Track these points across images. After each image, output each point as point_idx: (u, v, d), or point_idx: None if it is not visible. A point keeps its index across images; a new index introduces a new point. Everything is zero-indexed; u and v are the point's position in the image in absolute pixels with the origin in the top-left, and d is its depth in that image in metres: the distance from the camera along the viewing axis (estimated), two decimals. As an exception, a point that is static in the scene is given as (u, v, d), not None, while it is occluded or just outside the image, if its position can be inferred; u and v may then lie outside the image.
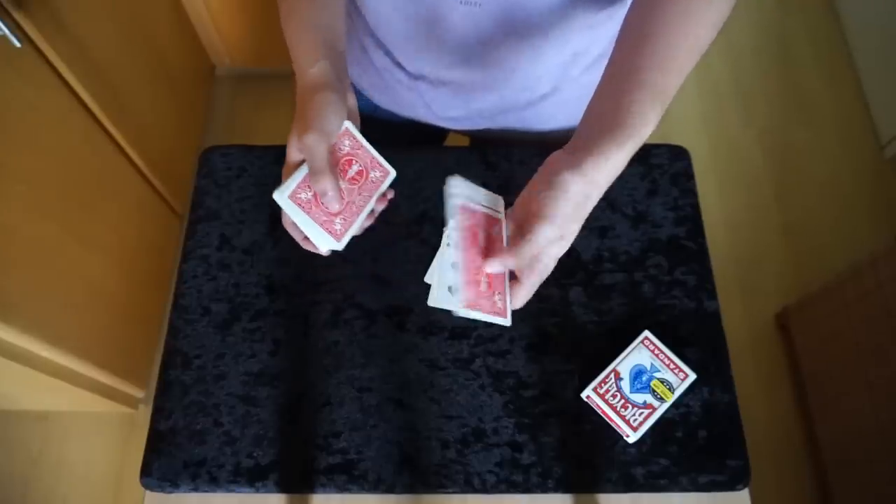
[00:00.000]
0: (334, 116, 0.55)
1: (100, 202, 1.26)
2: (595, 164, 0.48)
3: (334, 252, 0.59)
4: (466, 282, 0.52)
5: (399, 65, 0.76)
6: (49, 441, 1.51)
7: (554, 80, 0.75)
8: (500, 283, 0.55)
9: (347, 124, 0.58)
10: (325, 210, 0.56)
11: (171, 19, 1.56)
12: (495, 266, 0.53)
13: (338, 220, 0.56)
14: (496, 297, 0.54)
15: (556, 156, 0.52)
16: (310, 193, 0.55)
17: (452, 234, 0.53)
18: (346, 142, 0.58)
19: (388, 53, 0.75)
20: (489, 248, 0.55)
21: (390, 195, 0.63)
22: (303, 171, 0.55)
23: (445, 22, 0.65)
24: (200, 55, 1.78)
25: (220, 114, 1.88)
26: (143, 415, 1.52)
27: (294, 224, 0.58)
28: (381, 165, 0.61)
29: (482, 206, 0.57)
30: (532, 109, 0.80)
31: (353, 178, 0.58)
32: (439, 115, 0.82)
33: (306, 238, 0.59)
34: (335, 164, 0.56)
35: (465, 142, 0.95)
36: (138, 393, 1.48)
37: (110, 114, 1.25)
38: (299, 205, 0.55)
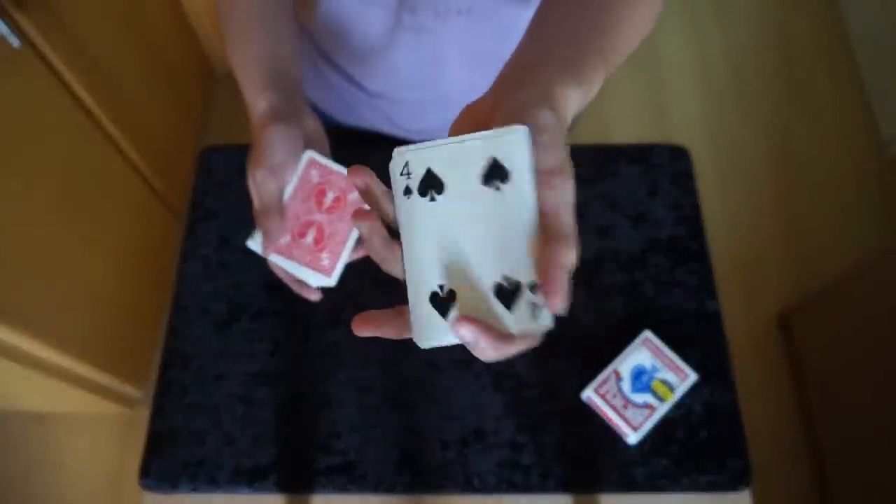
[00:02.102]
0: (284, 148, 0.52)
1: (99, 202, 1.26)
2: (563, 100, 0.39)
3: (326, 289, 0.56)
4: (283, 229, 0.51)
5: (357, 84, 0.75)
6: (48, 441, 1.51)
7: None
8: (336, 244, 0.53)
9: (310, 153, 0.54)
10: (308, 248, 0.53)
11: (170, 19, 1.56)
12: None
13: (324, 255, 0.53)
14: (323, 255, 0.52)
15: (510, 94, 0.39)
16: (287, 236, 0.53)
17: (291, 184, 0.52)
18: (314, 171, 0.54)
19: (343, 74, 0.74)
20: (335, 213, 0.53)
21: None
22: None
23: (398, 48, 0.64)
24: (200, 55, 1.78)
25: (220, 114, 1.87)
26: (142, 415, 1.52)
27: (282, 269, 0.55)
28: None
29: (338, 167, 0.55)
30: None
31: (330, 208, 0.54)
32: (406, 129, 0.81)
33: (298, 281, 0.56)
34: (309, 197, 0.53)
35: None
36: (137, 393, 1.48)
37: (109, 114, 1.24)
38: (278, 251, 0.53)
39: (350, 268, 0.78)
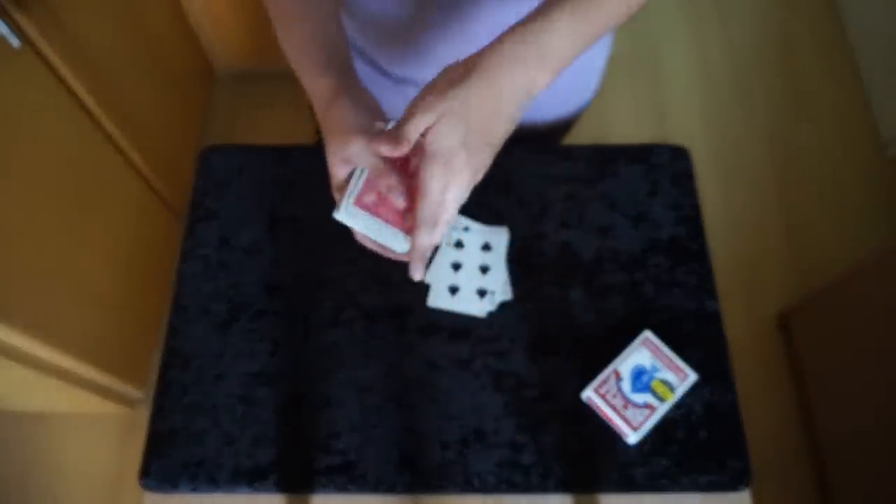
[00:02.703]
0: (362, 115, 0.52)
1: (99, 202, 1.26)
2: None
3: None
4: (367, 185, 0.51)
5: (383, 70, 0.75)
6: (48, 441, 1.51)
7: None
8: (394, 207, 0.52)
9: (383, 126, 0.52)
10: (392, 209, 0.52)
11: (171, 19, 1.56)
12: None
13: (408, 216, 0.51)
14: (409, 216, 0.51)
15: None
16: (373, 196, 0.52)
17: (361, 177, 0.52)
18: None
19: (371, 62, 0.75)
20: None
21: None
22: (359, 180, 0.52)
23: (427, 28, 0.64)
24: (200, 55, 1.78)
25: (220, 114, 1.87)
26: (142, 415, 1.52)
27: (367, 236, 0.54)
28: None
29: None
30: None
31: (413, 174, 0.52)
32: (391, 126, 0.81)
33: (383, 246, 0.54)
34: (390, 166, 0.51)
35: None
36: (137, 393, 1.48)
37: (110, 114, 1.24)
38: (366, 209, 0.51)
39: (350, 268, 0.78)
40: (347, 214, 0.51)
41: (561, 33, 0.45)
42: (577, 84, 0.83)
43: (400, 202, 0.50)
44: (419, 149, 0.48)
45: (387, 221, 0.52)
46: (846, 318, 1.35)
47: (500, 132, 0.46)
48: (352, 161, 0.51)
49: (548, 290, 0.76)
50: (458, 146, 0.44)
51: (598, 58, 0.81)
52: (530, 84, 0.45)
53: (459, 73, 0.44)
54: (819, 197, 1.80)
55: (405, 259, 0.53)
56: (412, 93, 0.76)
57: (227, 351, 0.73)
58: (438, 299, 0.57)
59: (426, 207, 0.46)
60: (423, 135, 0.46)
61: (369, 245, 0.56)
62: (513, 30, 0.45)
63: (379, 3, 0.66)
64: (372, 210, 0.51)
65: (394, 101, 0.80)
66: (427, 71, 0.72)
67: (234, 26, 1.68)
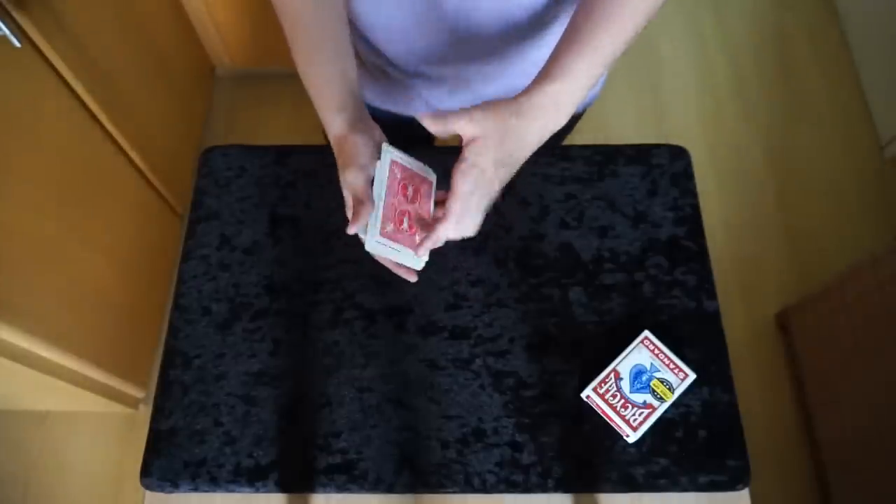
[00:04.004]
0: (366, 152, 0.61)
1: (100, 202, 1.26)
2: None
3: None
4: (385, 217, 0.60)
5: (395, 64, 0.76)
6: (49, 441, 1.51)
7: None
8: (424, 225, 0.63)
9: (391, 155, 0.62)
10: (405, 233, 0.62)
11: (171, 19, 1.56)
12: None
13: (417, 236, 0.62)
14: (416, 237, 0.62)
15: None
16: (390, 226, 0.61)
17: (380, 183, 0.61)
18: (396, 169, 0.63)
19: (382, 55, 0.75)
20: (417, 202, 0.63)
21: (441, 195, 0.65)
22: (377, 215, 0.60)
23: (440, 16, 0.65)
24: (200, 55, 1.78)
25: (220, 114, 1.88)
26: (144, 415, 1.52)
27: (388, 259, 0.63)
28: (423, 177, 0.65)
29: (413, 167, 0.65)
30: None
31: (412, 199, 0.64)
32: (438, 109, 0.82)
33: (399, 265, 0.64)
34: (397, 192, 0.62)
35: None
36: (138, 393, 1.48)
37: (110, 114, 1.25)
38: (388, 237, 0.60)
39: (350, 268, 0.78)
40: (375, 245, 0.60)
41: (576, 82, 0.55)
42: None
43: (404, 227, 0.62)
44: (411, 178, 0.63)
45: (404, 245, 0.61)
46: (845, 318, 1.35)
47: (523, 158, 0.57)
48: (346, 186, 0.61)
49: (548, 290, 0.76)
50: (490, 162, 0.55)
51: None
52: (553, 125, 0.56)
53: (505, 112, 0.54)
54: (818, 197, 1.81)
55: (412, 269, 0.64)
56: (421, 84, 0.78)
57: (227, 350, 0.73)
58: (361, 234, 0.62)
59: (456, 203, 0.56)
60: (460, 147, 0.56)
61: (386, 263, 0.65)
62: (538, 83, 0.55)
63: (385, 12, 0.67)
64: (391, 238, 0.61)
65: (403, 94, 0.81)
66: (438, 66, 0.73)
67: (235, 26, 1.68)
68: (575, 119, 0.91)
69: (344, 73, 0.63)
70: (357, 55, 0.79)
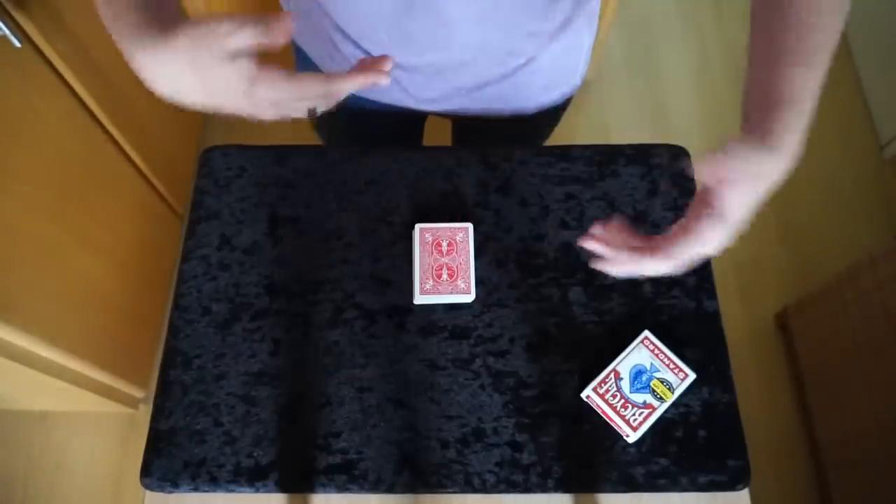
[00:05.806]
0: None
1: (100, 202, 1.26)
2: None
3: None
4: (423, 277, 0.73)
5: (371, 55, 0.75)
6: (49, 441, 1.51)
7: (526, 51, 0.75)
8: (463, 270, 0.73)
9: (420, 226, 0.75)
10: (446, 282, 0.73)
11: (171, 19, 1.56)
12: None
13: (460, 281, 0.73)
14: (459, 282, 0.73)
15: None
16: (429, 283, 0.73)
17: (415, 249, 0.74)
18: (427, 234, 0.75)
19: (358, 45, 0.75)
20: (452, 253, 0.74)
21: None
22: (413, 276, 0.73)
23: (413, 8, 0.65)
24: (200, 55, 1.78)
25: (220, 113, 1.88)
26: (144, 415, 1.52)
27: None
28: (457, 228, 0.75)
29: (442, 226, 0.76)
30: (508, 81, 0.80)
31: (447, 251, 0.75)
32: (417, 98, 0.82)
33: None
34: (432, 251, 0.75)
35: (447, 131, 0.94)
36: (138, 393, 1.48)
37: (110, 114, 1.25)
38: (430, 293, 0.73)
39: (350, 268, 0.78)
40: (421, 300, 0.72)
41: (797, 135, 0.55)
42: (563, 65, 0.83)
43: (444, 277, 0.73)
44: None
45: (445, 293, 0.73)
46: (845, 318, 1.36)
47: (746, 218, 0.55)
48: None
49: (548, 290, 0.76)
50: (733, 224, 0.55)
51: (584, 36, 0.81)
52: (778, 180, 0.57)
53: (749, 172, 0.55)
54: (818, 197, 1.81)
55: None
56: (399, 73, 0.77)
57: (227, 350, 0.73)
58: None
59: (682, 245, 0.54)
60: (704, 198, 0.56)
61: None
62: (761, 139, 0.56)
63: (361, 2, 0.67)
64: (432, 293, 0.73)
65: (385, 87, 0.80)
66: (415, 56, 0.73)
67: (235, 26, 1.68)
68: (563, 106, 0.91)
69: None
70: (337, 48, 0.78)
